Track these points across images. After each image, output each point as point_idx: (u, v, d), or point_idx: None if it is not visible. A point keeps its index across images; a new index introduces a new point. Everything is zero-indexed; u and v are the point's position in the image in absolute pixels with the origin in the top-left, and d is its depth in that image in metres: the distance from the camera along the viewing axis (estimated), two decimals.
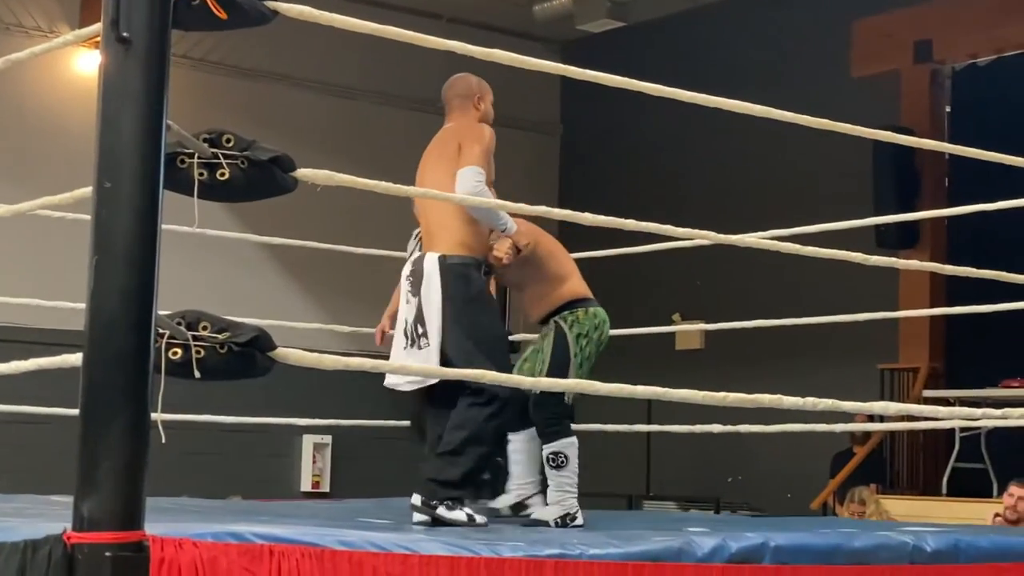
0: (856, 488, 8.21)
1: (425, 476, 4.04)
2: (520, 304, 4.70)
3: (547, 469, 4.36)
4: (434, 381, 4.13)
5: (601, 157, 12.53)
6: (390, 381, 4.25)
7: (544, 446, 4.37)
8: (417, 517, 4.04)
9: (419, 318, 4.16)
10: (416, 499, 4.01)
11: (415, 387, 4.22)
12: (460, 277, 4.14)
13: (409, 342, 4.18)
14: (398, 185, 3.10)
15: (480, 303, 4.19)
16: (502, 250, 4.33)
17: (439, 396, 4.20)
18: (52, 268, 9.09)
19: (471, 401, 4.08)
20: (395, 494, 5.82)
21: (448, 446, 4.05)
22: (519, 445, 4.52)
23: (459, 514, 3.97)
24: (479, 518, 4.02)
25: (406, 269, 4.29)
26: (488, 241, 4.30)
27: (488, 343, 4.14)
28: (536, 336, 4.68)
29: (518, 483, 4.56)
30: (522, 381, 3.48)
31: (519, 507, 4.53)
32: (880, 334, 9.48)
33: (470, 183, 4.13)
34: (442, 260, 4.15)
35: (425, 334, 4.15)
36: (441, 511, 3.96)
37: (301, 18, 2.74)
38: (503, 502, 4.55)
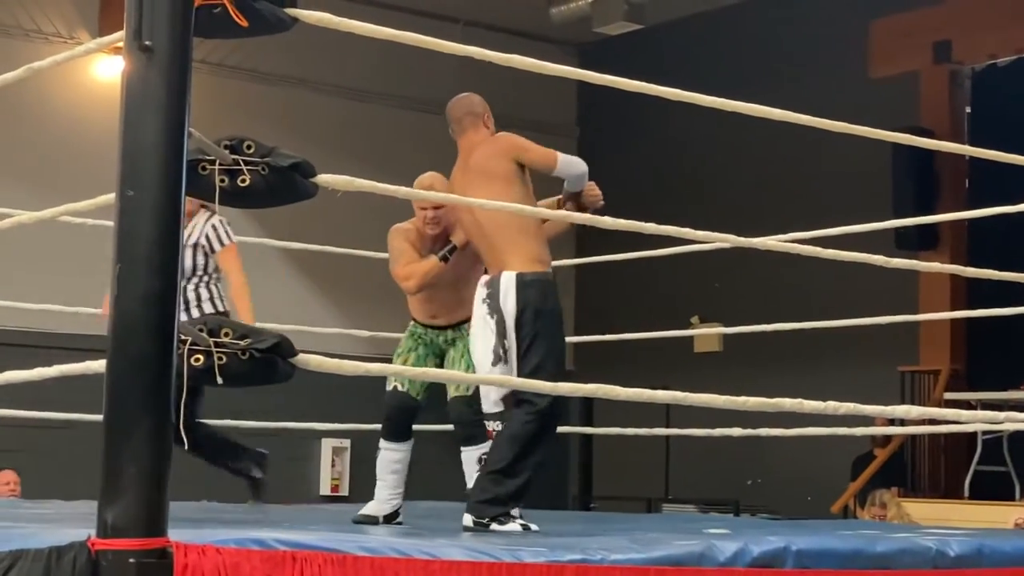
0: (877, 491, 8.17)
1: (474, 498, 4.10)
2: (439, 298, 4.66)
3: (475, 470, 4.43)
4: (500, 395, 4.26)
5: (618, 159, 12.51)
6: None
7: (477, 447, 4.47)
8: (467, 520, 4.09)
9: (503, 334, 4.23)
10: (468, 520, 4.07)
11: (499, 409, 4.31)
12: (539, 293, 4.21)
13: (494, 359, 4.25)
14: (419, 190, 3.10)
15: (557, 317, 4.26)
16: (596, 192, 4.55)
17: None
18: (74, 273, 9.13)
19: (525, 419, 4.12)
20: (414, 498, 5.83)
21: (499, 463, 4.10)
22: (403, 455, 4.60)
23: (513, 526, 4.02)
24: (533, 525, 4.05)
25: (480, 292, 4.33)
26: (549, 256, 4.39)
27: (560, 357, 4.21)
28: (405, 336, 4.74)
29: (394, 492, 4.61)
30: (564, 388, 3.45)
31: (393, 516, 4.61)
32: (900, 336, 9.45)
33: (573, 161, 4.40)
34: (520, 277, 4.21)
35: (509, 348, 4.22)
36: (494, 527, 4.02)
37: (320, 25, 2.75)
38: (379, 510, 4.59)
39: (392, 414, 4.60)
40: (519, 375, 4.11)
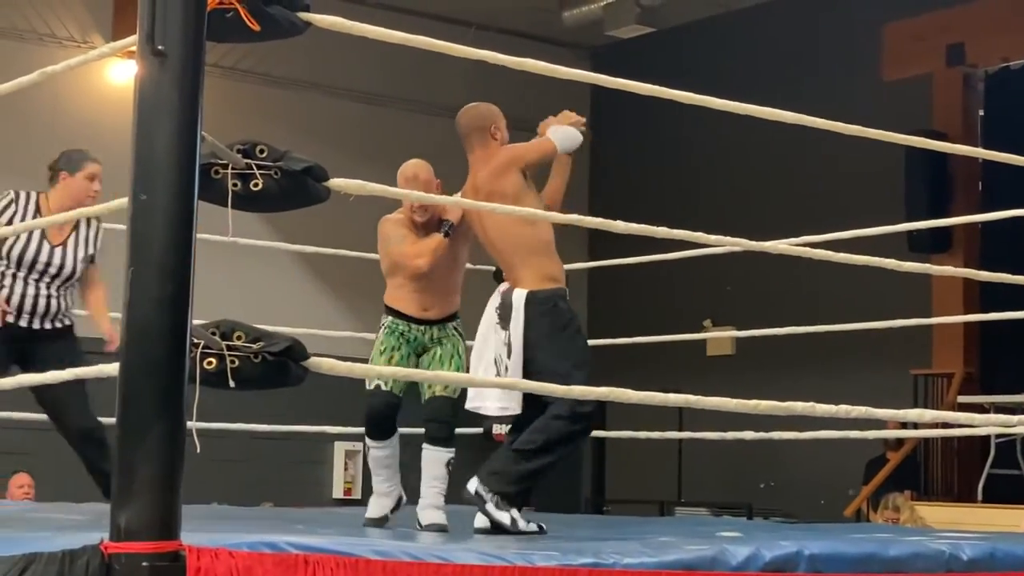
0: (890, 495, 8.16)
1: (488, 468, 4.18)
2: (432, 288, 4.60)
3: (443, 472, 4.47)
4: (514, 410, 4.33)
5: (631, 162, 12.53)
6: (473, 404, 4.39)
7: (445, 450, 4.50)
8: (478, 522, 4.17)
9: (508, 350, 4.31)
10: (473, 483, 4.15)
11: (504, 414, 4.36)
12: (550, 310, 4.29)
13: (497, 370, 4.34)
14: (431, 195, 3.11)
15: (571, 330, 4.32)
16: (574, 117, 4.54)
17: (521, 422, 4.36)
18: None
19: (557, 414, 4.20)
20: None
21: (525, 445, 4.20)
22: (392, 451, 4.60)
23: (504, 515, 4.09)
24: (522, 523, 4.10)
25: (494, 300, 4.41)
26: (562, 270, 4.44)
27: (582, 367, 4.23)
28: (384, 333, 4.62)
29: (392, 484, 4.62)
30: (577, 391, 3.46)
31: (398, 505, 4.63)
32: (913, 339, 9.43)
33: (564, 134, 4.42)
34: (531, 296, 4.30)
35: (513, 363, 4.29)
36: (490, 507, 4.10)
37: (333, 29, 2.75)
38: (384, 507, 4.58)
39: (378, 413, 4.53)
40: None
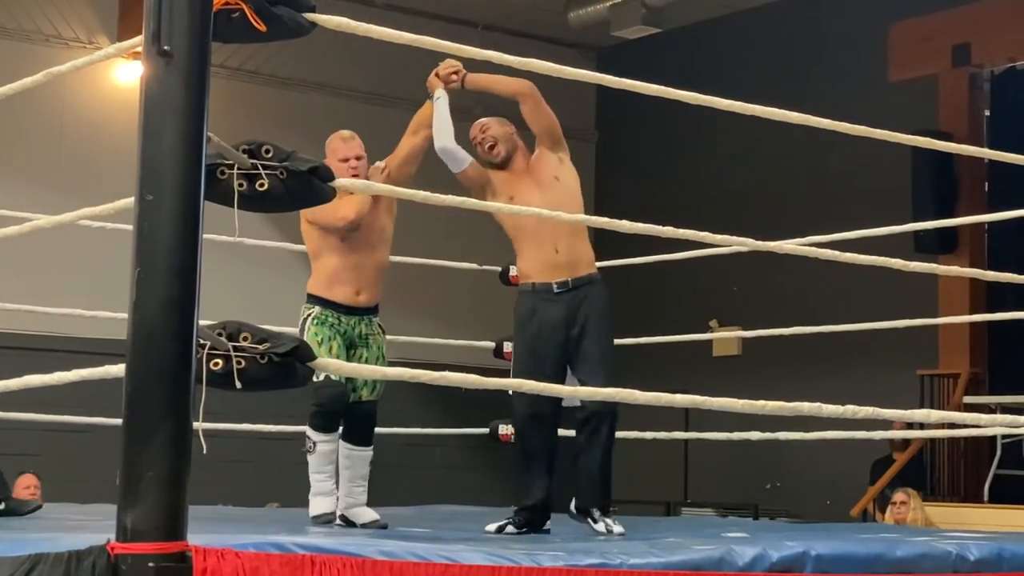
0: (900, 487, 8.20)
1: None
2: (361, 270, 4.59)
3: (368, 471, 4.59)
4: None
5: (637, 163, 12.52)
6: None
7: (369, 449, 4.62)
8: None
9: None
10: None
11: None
12: (519, 306, 4.42)
13: None
14: (436, 194, 3.10)
15: (523, 325, 4.37)
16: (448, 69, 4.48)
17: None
18: (94, 278, 9.16)
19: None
20: (432, 502, 5.84)
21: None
22: (336, 447, 4.61)
23: (499, 523, 4.26)
24: (511, 529, 4.23)
25: None
26: (545, 267, 4.42)
27: (524, 367, 4.28)
28: (314, 324, 4.54)
29: (334, 484, 4.63)
30: (584, 392, 3.46)
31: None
32: (919, 340, 9.41)
33: (441, 151, 4.48)
34: (518, 289, 4.52)
35: None
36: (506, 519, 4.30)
37: (339, 29, 2.75)
38: (331, 505, 4.55)
39: (331, 405, 4.45)
40: None
